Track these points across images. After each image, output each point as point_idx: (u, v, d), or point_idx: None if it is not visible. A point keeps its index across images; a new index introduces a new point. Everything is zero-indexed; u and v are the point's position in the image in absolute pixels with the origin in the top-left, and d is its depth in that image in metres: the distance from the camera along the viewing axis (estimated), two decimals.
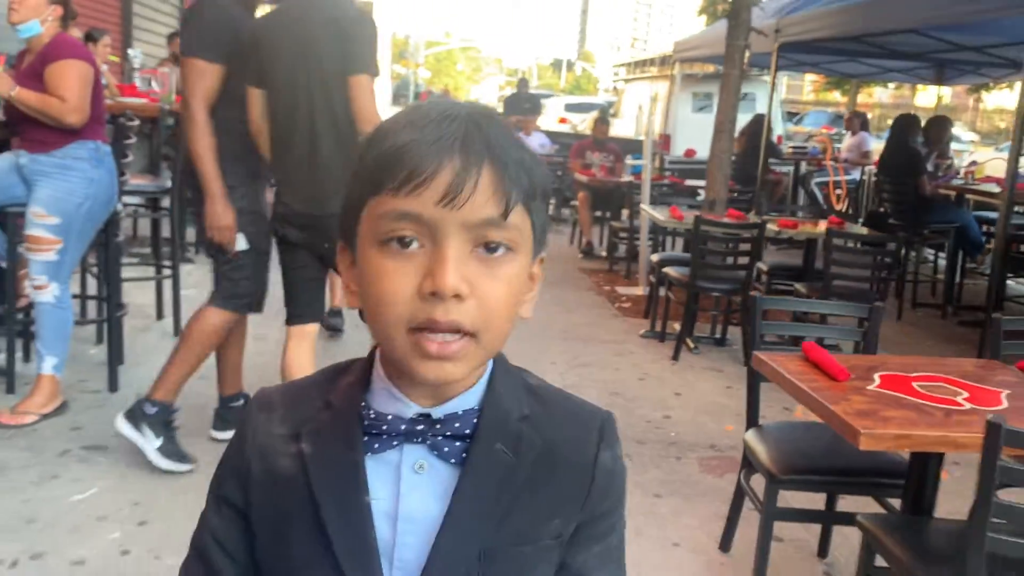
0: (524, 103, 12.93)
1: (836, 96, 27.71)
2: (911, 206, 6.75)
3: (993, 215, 6.84)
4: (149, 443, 3.00)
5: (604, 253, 8.01)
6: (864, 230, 5.91)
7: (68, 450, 3.15)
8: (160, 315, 4.79)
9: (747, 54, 6.47)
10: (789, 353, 2.45)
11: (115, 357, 3.78)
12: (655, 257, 5.75)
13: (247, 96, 2.84)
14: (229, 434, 3.21)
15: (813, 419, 2.18)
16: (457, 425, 0.80)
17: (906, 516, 2.21)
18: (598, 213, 8.41)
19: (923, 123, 7.46)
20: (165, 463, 3.01)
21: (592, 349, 5.01)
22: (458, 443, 0.80)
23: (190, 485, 2.94)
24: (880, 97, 38.26)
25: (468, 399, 0.81)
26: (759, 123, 8.95)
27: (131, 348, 4.13)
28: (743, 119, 9.43)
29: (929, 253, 7.90)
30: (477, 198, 0.72)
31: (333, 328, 4.79)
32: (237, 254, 3.02)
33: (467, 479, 0.79)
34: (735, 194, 7.22)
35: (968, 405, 2.04)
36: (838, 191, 9.36)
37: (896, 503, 2.41)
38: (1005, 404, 2.08)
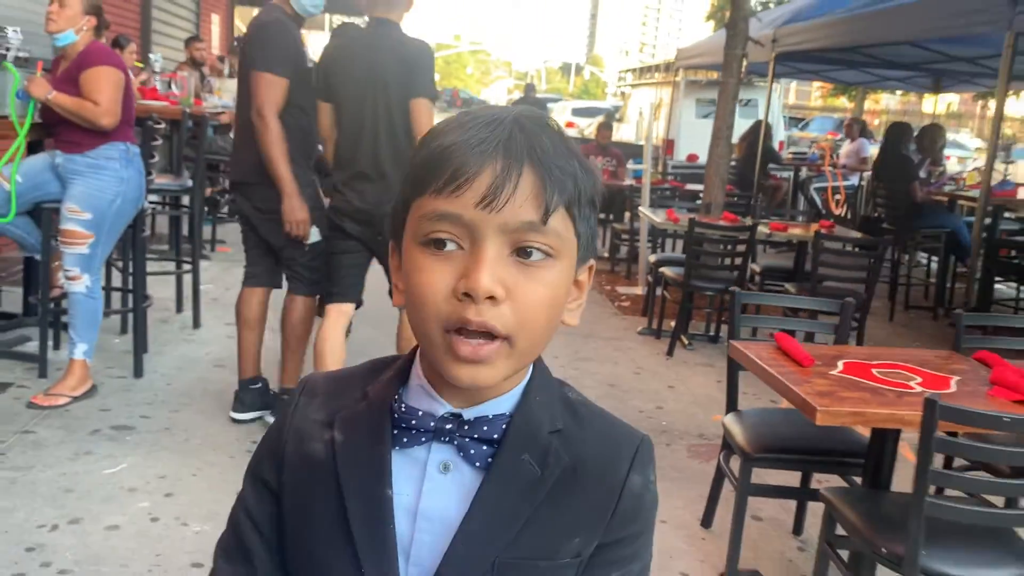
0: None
1: (844, 102, 27.92)
2: (903, 211, 6.96)
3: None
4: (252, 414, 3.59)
5: (606, 254, 8.24)
6: (857, 234, 6.13)
7: (98, 429, 3.38)
8: (180, 308, 5.03)
9: (744, 63, 6.70)
10: (764, 343, 2.68)
11: (140, 346, 4.02)
12: (652, 257, 5.98)
13: (318, 108, 3.29)
14: (247, 415, 3.51)
15: (790, 407, 2.41)
16: (486, 428, 0.80)
17: (864, 489, 2.44)
18: (601, 216, 8.63)
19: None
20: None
21: (592, 345, 5.24)
22: (485, 447, 0.80)
23: (212, 461, 3.18)
24: (888, 103, 38.49)
25: (501, 404, 0.81)
26: (759, 129, 9.15)
27: (153, 338, 4.36)
28: (746, 125, 9.68)
29: (923, 257, 8.10)
30: (516, 201, 0.72)
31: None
32: (312, 245, 3.40)
33: (489, 485, 0.79)
34: (735, 198, 7.43)
35: (919, 388, 2.27)
36: (836, 196, 9.56)
37: (860, 480, 2.63)
38: (953, 388, 2.31)
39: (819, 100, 38.93)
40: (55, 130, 3.61)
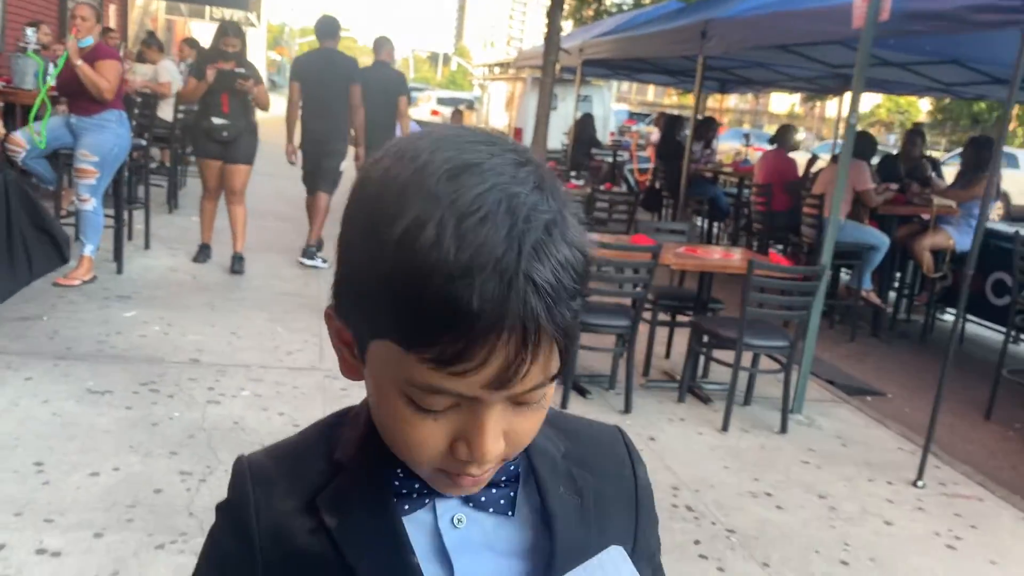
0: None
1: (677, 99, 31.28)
2: (676, 183, 9.35)
3: (734, 190, 9.61)
4: (317, 260, 6.39)
5: None
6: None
7: (107, 297, 5.17)
8: (131, 237, 6.75)
9: (558, 66, 8.90)
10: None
11: (120, 252, 5.78)
12: None
13: (290, 86, 6.32)
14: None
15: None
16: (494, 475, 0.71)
17: (710, 315, 4.64)
18: None
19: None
20: (319, 263, 6.49)
21: None
22: (494, 490, 0.73)
23: (192, 306, 5.04)
24: (737, 104, 42.68)
25: None
26: (585, 121, 11.45)
27: (125, 249, 6.12)
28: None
29: (698, 220, 10.60)
30: (529, 375, 0.61)
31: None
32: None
33: (558, 533, 0.73)
34: (571, 178, 9.65)
35: (721, 257, 4.49)
36: (642, 172, 12.02)
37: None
38: (738, 257, 4.54)
39: (675, 98, 42.50)
40: (71, 99, 5.33)
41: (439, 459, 0.65)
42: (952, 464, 4.26)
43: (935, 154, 15.45)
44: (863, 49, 4.27)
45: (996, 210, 17.67)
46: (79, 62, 5.10)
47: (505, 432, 0.65)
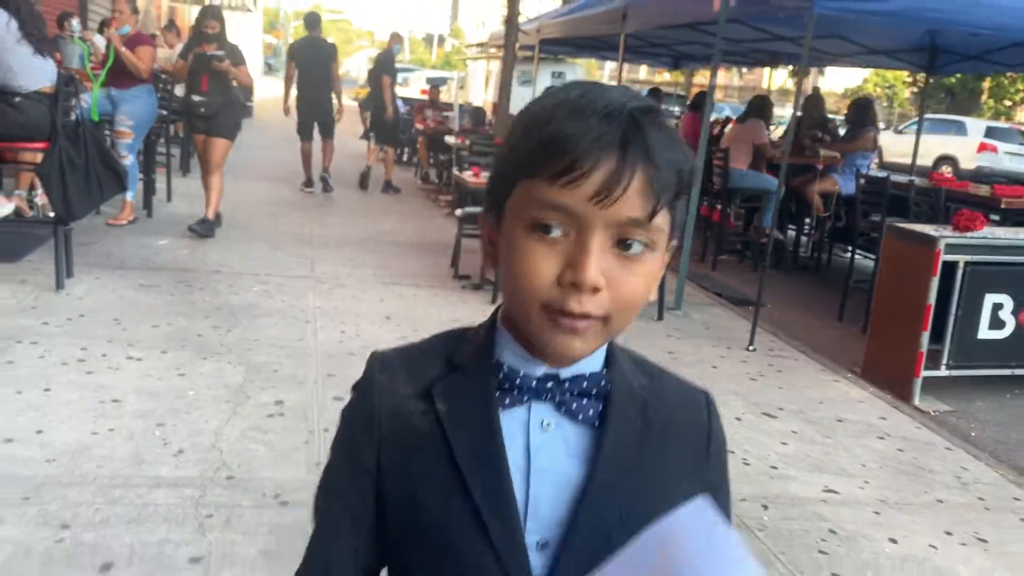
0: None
1: (671, 76, 32.59)
2: None
3: None
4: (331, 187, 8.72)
5: (436, 180, 11.68)
6: None
7: (144, 232, 6.57)
8: (153, 191, 8.16)
9: (517, 45, 10.26)
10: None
11: (149, 198, 7.18)
12: (459, 212, 9.27)
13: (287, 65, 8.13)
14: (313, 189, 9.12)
15: None
16: (584, 385, 0.84)
17: None
18: (432, 153, 12.06)
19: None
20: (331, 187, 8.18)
21: (425, 223, 8.69)
22: (585, 400, 0.84)
23: (226, 238, 6.46)
24: (732, 80, 44.10)
25: (591, 363, 0.86)
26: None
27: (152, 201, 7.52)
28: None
29: None
30: (627, 198, 0.74)
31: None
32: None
33: (608, 442, 0.84)
34: None
35: None
36: None
37: None
38: None
39: (657, 75, 43.76)
40: (112, 76, 6.71)
41: (548, 288, 0.77)
42: (786, 340, 5.68)
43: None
44: (720, 28, 5.64)
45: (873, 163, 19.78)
46: (122, 48, 6.48)
47: (607, 276, 0.77)
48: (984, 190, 7.09)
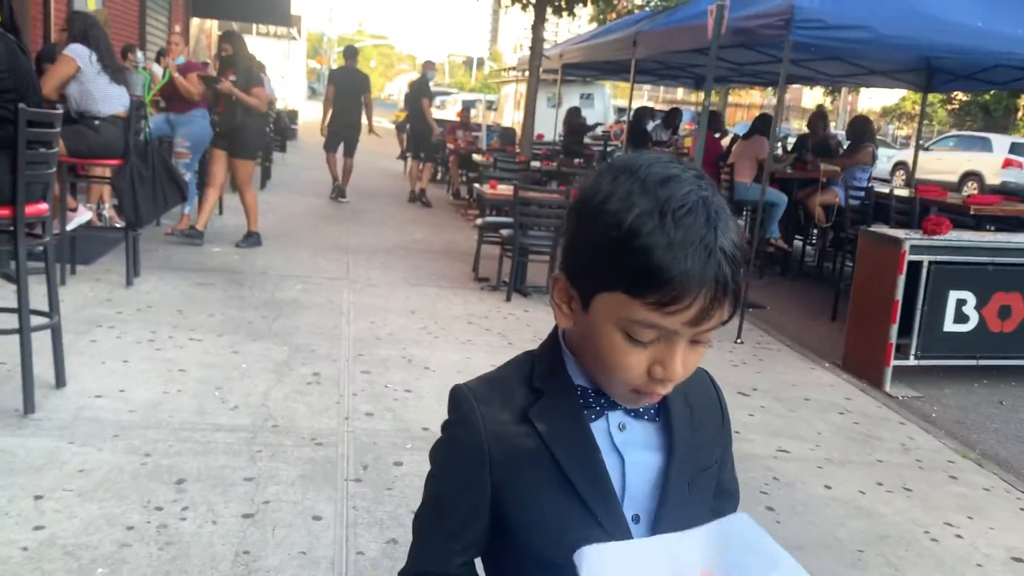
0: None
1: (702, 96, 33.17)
2: None
3: None
4: (347, 199, 7.51)
5: (466, 196, 12.39)
6: None
7: (202, 243, 7.34)
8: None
9: (541, 69, 10.97)
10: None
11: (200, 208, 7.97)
12: (479, 221, 7.86)
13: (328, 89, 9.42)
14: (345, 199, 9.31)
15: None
16: None
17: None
18: (463, 171, 12.80)
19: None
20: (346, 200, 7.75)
21: (453, 234, 9.39)
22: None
23: (272, 248, 7.21)
24: (756, 98, 44.43)
25: None
26: (572, 112, 13.46)
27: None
28: (589, 115, 14.09)
29: None
30: (714, 317, 0.91)
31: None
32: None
33: (676, 432, 1.05)
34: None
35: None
36: None
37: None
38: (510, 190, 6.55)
39: (691, 95, 44.44)
40: (170, 102, 7.52)
41: (637, 380, 0.95)
42: (774, 335, 6.24)
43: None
44: (712, 54, 6.26)
45: (898, 177, 20.74)
46: (176, 75, 7.29)
47: (683, 365, 0.94)
48: (957, 198, 7.65)
